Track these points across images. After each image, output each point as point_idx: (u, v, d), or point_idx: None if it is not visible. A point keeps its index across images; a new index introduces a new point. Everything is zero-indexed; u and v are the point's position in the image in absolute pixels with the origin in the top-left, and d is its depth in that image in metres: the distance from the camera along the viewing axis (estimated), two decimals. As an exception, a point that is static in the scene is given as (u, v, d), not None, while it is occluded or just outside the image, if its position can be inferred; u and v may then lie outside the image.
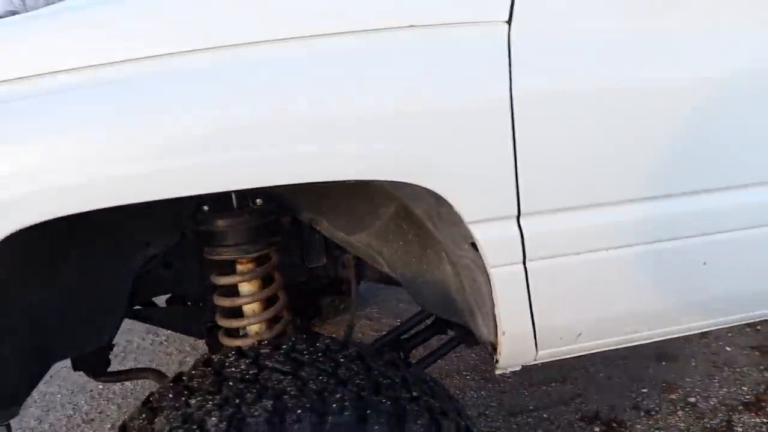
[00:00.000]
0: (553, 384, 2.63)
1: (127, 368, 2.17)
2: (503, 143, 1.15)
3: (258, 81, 1.09)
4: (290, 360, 1.23)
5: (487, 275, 1.26)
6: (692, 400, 2.46)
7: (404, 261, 1.63)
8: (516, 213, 1.21)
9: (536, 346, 1.36)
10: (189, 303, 1.92)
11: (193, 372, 1.27)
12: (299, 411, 1.09)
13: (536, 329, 1.32)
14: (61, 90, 1.07)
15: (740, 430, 2.29)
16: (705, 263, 1.35)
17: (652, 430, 2.31)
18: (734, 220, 1.32)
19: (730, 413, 2.37)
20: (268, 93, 1.09)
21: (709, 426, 2.32)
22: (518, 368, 1.48)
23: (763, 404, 2.41)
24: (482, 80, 1.15)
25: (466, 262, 1.30)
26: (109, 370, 1.85)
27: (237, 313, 1.62)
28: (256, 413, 1.07)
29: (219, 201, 1.53)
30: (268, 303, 1.62)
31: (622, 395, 2.50)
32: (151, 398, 1.23)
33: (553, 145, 1.17)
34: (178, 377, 1.27)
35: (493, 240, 1.21)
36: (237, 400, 1.10)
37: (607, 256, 1.26)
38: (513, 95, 1.14)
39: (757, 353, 2.73)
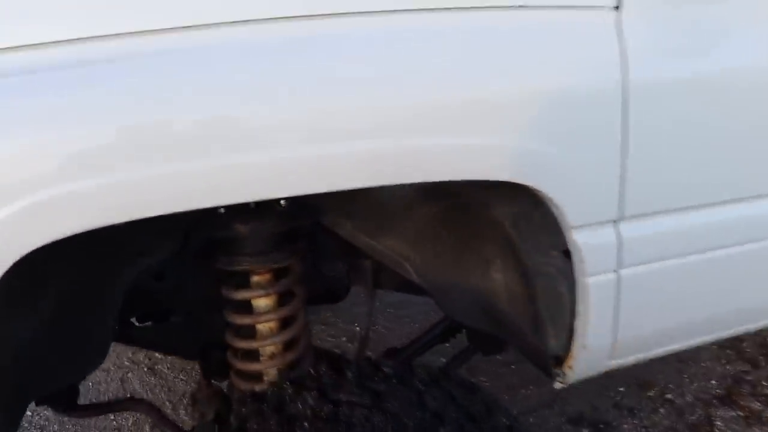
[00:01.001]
0: (531, 387, 2.57)
1: (107, 400, 1.87)
2: (613, 139, 1.03)
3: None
4: (365, 390, 1.05)
5: (572, 285, 1.14)
6: (669, 396, 2.48)
7: (436, 268, 1.48)
8: (616, 216, 1.09)
9: (611, 357, 1.26)
10: (173, 320, 1.67)
11: (243, 410, 1.05)
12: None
13: (617, 340, 1.22)
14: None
15: (720, 423, 2.32)
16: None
17: (639, 428, 2.30)
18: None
19: (708, 408, 2.40)
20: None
21: (690, 422, 2.33)
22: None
23: (735, 398, 2.45)
24: (592, 70, 1.02)
25: (549, 270, 1.17)
26: (81, 402, 1.57)
27: (251, 333, 1.40)
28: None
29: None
30: (286, 322, 1.42)
31: (601, 395, 2.48)
32: None
33: (663, 141, 1.07)
34: (222, 420, 1.06)
35: (593, 246, 1.10)
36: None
37: (700, 258, 1.18)
38: (624, 86, 1.02)
39: (715, 347, 2.79)
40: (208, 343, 1.61)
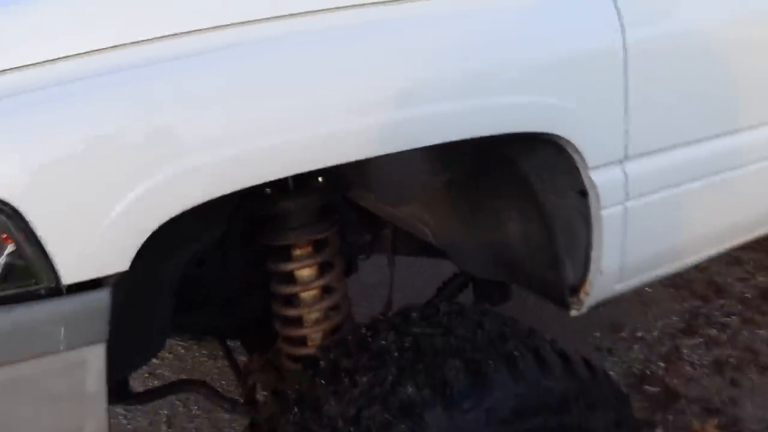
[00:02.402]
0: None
1: (159, 385, 1.94)
2: (616, 93, 1.24)
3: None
4: (433, 324, 1.22)
5: (588, 220, 1.34)
6: (639, 334, 2.75)
7: (452, 228, 1.66)
8: (622, 157, 1.30)
9: (619, 281, 1.47)
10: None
11: (329, 355, 1.20)
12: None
13: (624, 265, 1.43)
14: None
15: (686, 351, 2.61)
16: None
17: (620, 363, 2.55)
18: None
19: (674, 339, 2.68)
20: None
21: (661, 352, 2.61)
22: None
23: (695, 328, 2.75)
24: (596, 36, 1.23)
25: (566, 211, 1.37)
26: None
27: (296, 302, 1.54)
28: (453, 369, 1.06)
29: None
30: (327, 289, 1.56)
31: (582, 342, 2.70)
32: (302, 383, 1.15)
33: (655, 92, 1.29)
34: (313, 361, 1.21)
35: (605, 183, 1.30)
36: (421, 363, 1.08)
37: (690, 187, 1.41)
38: (622, 47, 1.23)
39: (671, 289, 3.09)
40: (248, 320, 1.73)
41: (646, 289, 3.10)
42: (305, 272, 1.52)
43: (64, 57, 0.94)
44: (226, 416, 2.44)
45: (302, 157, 1.03)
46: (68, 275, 0.90)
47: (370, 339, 1.20)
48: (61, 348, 0.92)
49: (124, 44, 0.98)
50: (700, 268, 3.26)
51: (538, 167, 1.34)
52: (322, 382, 1.15)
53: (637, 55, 1.25)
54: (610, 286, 1.50)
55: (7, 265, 0.89)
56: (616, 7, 1.24)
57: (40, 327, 0.91)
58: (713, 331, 2.74)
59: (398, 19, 1.09)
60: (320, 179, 1.48)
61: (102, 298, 0.93)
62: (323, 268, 1.53)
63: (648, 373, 2.50)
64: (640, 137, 1.30)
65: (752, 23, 1.46)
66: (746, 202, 1.58)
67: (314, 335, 1.54)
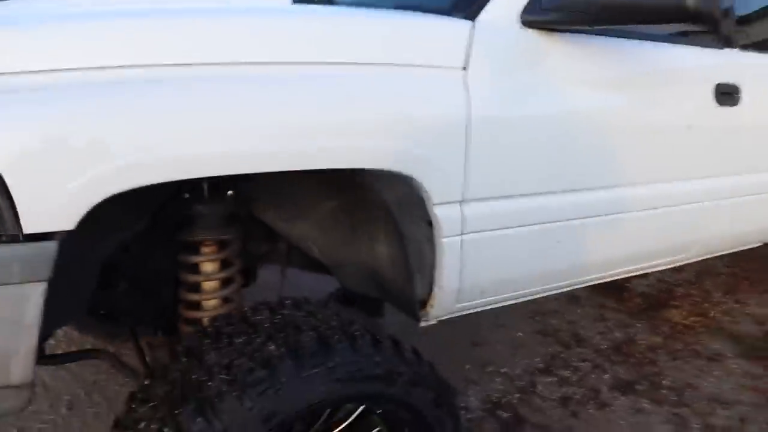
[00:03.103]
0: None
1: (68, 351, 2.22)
2: (460, 151, 1.68)
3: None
4: (304, 310, 1.60)
5: (434, 245, 1.76)
6: (503, 370, 3.16)
7: (335, 248, 2.06)
8: (461, 199, 1.73)
9: (457, 301, 1.88)
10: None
11: (216, 324, 1.56)
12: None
13: (461, 287, 1.84)
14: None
15: (540, 386, 3.04)
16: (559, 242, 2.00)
17: (481, 391, 2.95)
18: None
19: (532, 376, 3.11)
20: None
21: (518, 386, 3.03)
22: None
23: (552, 368, 3.19)
24: (448, 104, 1.67)
25: (418, 236, 1.78)
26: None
27: (199, 289, 1.89)
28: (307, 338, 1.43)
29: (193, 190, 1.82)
30: (225, 282, 1.92)
31: (455, 371, 3.09)
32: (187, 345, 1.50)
33: (488, 155, 1.74)
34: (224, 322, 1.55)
35: (446, 217, 1.72)
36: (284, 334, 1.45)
37: (515, 231, 1.85)
38: (467, 118, 1.68)
39: (540, 336, 3.55)
40: (157, 307, 2.06)
41: (518, 333, 3.56)
42: (209, 266, 1.88)
43: (47, 70, 1.29)
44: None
45: (192, 167, 1.39)
46: (28, 226, 1.24)
47: (249, 315, 1.56)
48: (14, 280, 1.25)
49: (89, 68, 1.34)
50: (567, 321, 3.75)
51: (397, 200, 1.75)
52: (207, 340, 1.49)
53: (479, 126, 1.69)
54: (452, 304, 1.91)
55: (-16, 215, 1.22)
56: (465, 86, 1.69)
57: (2, 262, 1.24)
58: (566, 373, 3.18)
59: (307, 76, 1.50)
60: (230, 192, 1.85)
61: (50, 247, 1.27)
62: (224, 264, 1.89)
63: (503, 401, 2.91)
64: (476, 186, 1.74)
65: (578, 114, 1.94)
66: (585, 248, 2.03)
67: (206, 317, 1.89)
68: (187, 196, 1.80)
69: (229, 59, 1.46)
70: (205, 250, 1.88)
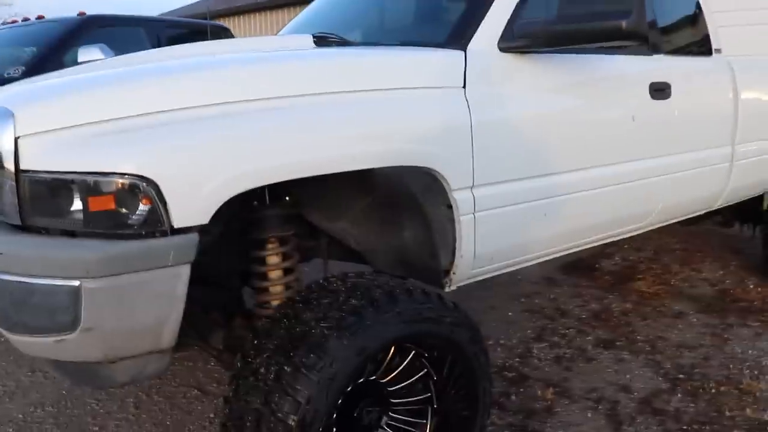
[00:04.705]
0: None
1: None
2: (467, 148, 2.22)
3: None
4: (363, 277, 2.09)
5: (454, 223, 2.28)
6: (502, 341, 3.68)
7: (368, 238, 2.56)
8: (471, 185, 2.26)
9: (473, 267, 2.40)
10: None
11: (302, 294, 2.04)
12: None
13: (476, 254, 2.37)
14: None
15: (535, 351, 3.56)
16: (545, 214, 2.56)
17: (487, 360, 3.45)
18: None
19: (527, 344, 3.64)
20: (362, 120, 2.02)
21: (517, 353, 3.55)
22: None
23: (543, 336, 3.73)
24: (456, 114, 2.21)
25: (440, 217, 2.30)
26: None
27: (266, 277, 2.36)
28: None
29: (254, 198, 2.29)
30: (287, 271, 2.40)
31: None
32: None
33: (489, 149, 2.27)
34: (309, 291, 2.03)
35: (462, 200, 2.25)
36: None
37: (517, 207, 2.39)
38: (470, 121, 2.22)
39: (527, 313, 4.09)
40: (231, 297, 2.53)
41: (509, 313, 4.10)
42: (274, 258, 2.36)
43: (179, 108, 1.79)
44: (183, 400, 3.14)
45: (280, 172, 1.89)
46: (177, 222, 1.72)
47: (326, 285, 2.05)
48: (170, 264, 1.73)
49: (207, 105, 1.84)
50: (549, 298, 4.30)
51: (423, 189, 2.27)
52: (299, 305, 1.98)
53: (477, 127, 2.24)
54: (469, 270, 2.43)
55: (146, 215, 1.70)
56: (466, 99, 2.24)
57: (161, 251, 1.72)
58: (556, 338, 3.72)
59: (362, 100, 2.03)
60: (287, 198, 2.35)
61: (193, 237, 1.75)
62: (284, 257, 2.37)
63: (507, 364, 3.42)
64: (481, 174, 2.27)
65: (545, 114, 2.51)
66: (564, 219, 2.59)
67: (276, 300, 2.37)
68: (256, 203, 2.29)
69: (293, 92, 1.98)
70: (270, 246, 2.36)
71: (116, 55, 4.85)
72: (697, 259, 5.17)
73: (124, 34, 6.01)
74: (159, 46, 6.20)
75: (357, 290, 1.98)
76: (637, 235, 3.55)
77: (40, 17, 6.63)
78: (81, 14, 5.98)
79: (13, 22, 7.54)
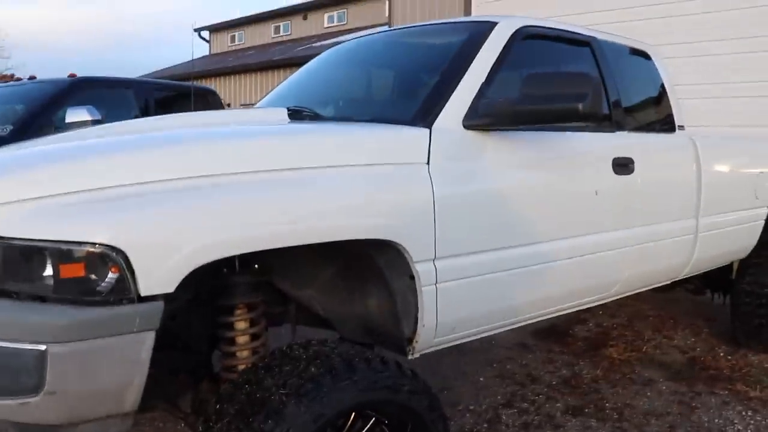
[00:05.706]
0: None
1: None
2: (430, 222, 2.32)
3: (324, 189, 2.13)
4: (326, 345, 2.16)
5: (416, 293, 2.37)
6: (471, 407, 3.72)
7: (334, 305, 2.64)
8: (433, 257, 2.36)
9: (435, 336, 2.48)
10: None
11: (265, 361, 2.11)
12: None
13: (438, 324, 2.45)
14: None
15: (504, 417, 3.60)
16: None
17: (454, 426, 3.48)
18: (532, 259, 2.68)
19: (497, 410, 3.68)
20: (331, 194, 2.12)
21: (486, 418, 3.58)
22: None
23: (512, 402, 3.77)
24: (418, 190, 2.32)
25: (403, 288, 2.39)
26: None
27: (233, 342, 2.43)
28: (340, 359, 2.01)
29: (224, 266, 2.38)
30: (254, 336, 2.47)
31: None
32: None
33: (449, 223, 2.37)
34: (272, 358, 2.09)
35: (424, 271, 2.34)
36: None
37: (477, 279, 2.48)
38: (433, 197, 2.33)
39: (498, 379, 4.14)
40: (198, 361, 2.58)
41: (480, 378, 4.14)
42: (242, 324, 2.43)
43: (152, 181, 1.88)
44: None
45: (244, 244, 1.98)
46: (144, 290, 1.80)
47: (288, 352, 2.12)
48: (135, 330, 1.80)
49: (177, 178, 1.94)
50: (521, 364, 4.35)
51: (387, 260, 2.37)
52: (261, 372, 2.04)
53: (440, 202, 2.35)
54: (431, 339, 2.50)
55: (114, 283, 1.78)
56: (429, 175, 2.35)
57: (127, 317, 1.79)
58: (525, 404, 3.76)
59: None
60: (256, 266, 2.43)
61: (158, 305, 1.83)
62: (252, 323, 2.44)
63: (474, 430, 3.45)
64: (443, 247, 2.37)
65: (520, 188, 2.63)
66: (528, 290, 2.68)
67: (242, 365, 2.42)
68: (225, 270, 2.37)
69: (261, 167, 2.08)
70: (238, 312, 2.43)
71: (104, 115, 5.03)
72: (669, 326, 5.25)
73: (114, 96, 6.17)
74: (147, 108, 6.38)
75: (317, 358, 2.04)
76: (611, 301, 3.65)
77: (32, 77, 6.80)
78: (71, 76, 6.15)
79: (8, 78, 7.73)
